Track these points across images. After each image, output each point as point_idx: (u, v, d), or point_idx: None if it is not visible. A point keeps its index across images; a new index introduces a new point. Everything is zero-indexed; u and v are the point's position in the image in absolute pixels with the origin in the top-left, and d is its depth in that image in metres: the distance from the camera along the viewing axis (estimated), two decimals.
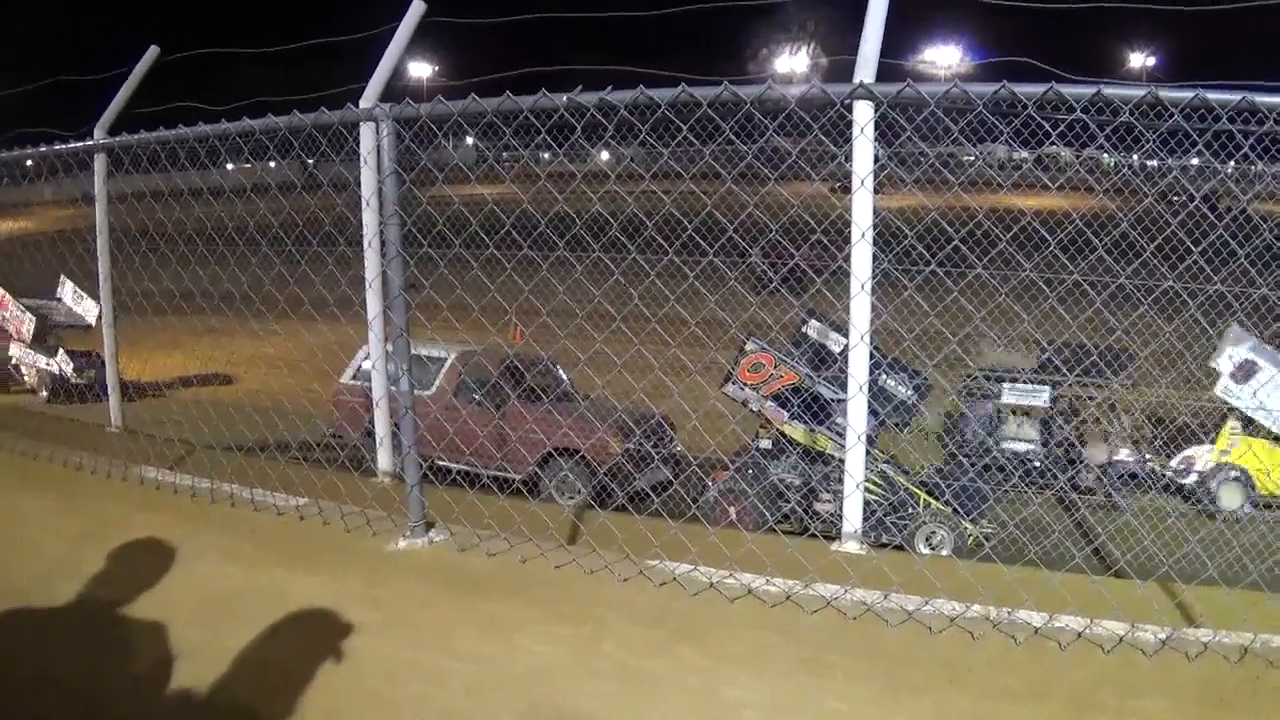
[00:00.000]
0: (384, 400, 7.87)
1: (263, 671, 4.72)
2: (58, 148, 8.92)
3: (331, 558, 5.94)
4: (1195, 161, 18.78)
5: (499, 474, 14.71)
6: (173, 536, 6.17)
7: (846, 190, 6.27)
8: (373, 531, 6.27)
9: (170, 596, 5.45)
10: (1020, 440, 15.30)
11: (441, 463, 15.40)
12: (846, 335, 6.78)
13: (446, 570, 5.73)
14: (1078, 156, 21.93)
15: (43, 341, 19.38)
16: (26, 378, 23.03)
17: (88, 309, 18.85)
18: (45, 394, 21.78)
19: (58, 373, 19.30)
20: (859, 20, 6.69)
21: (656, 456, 14.75)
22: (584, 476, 15.45)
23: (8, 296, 18.79)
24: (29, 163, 9.66)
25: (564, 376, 17.41)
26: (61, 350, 18.95)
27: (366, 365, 12.98)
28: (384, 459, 7.94)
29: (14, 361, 20.92)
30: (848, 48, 6.87)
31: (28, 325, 18.62)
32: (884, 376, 12.60)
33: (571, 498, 15.26)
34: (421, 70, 72.36)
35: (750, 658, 4.65)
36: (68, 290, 19.05)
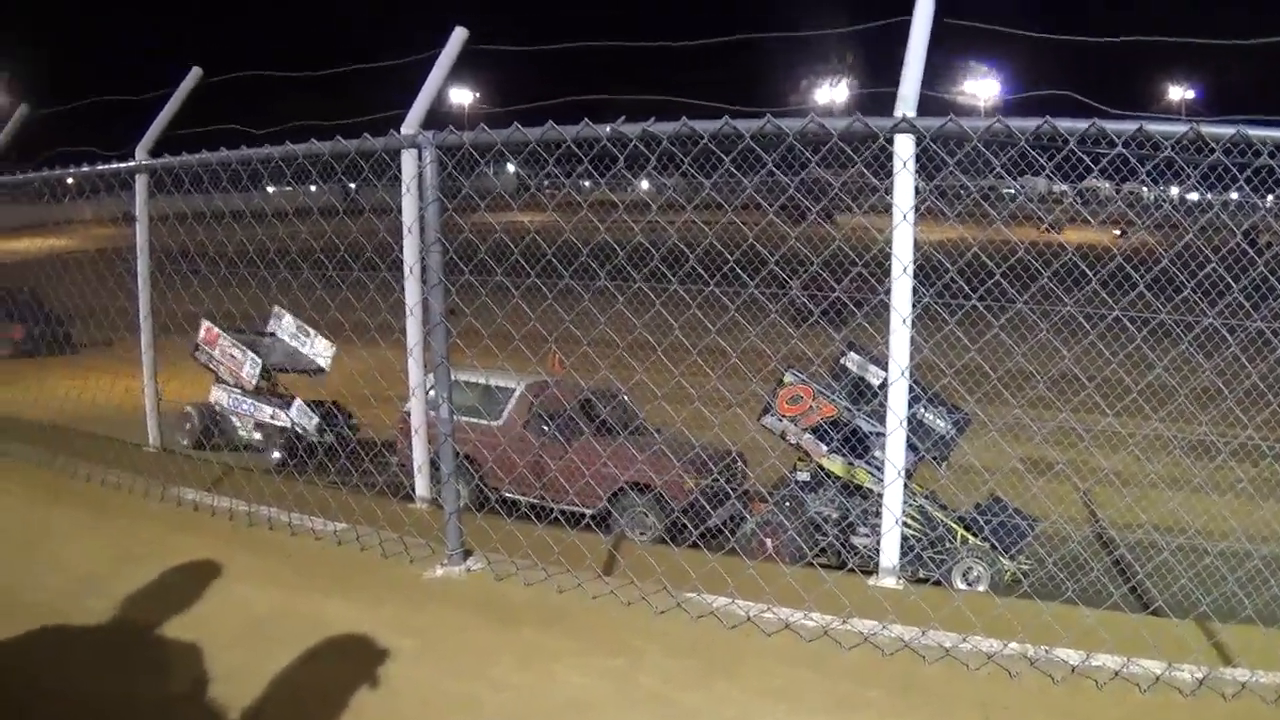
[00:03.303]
0: (423, 427, 7.87)
1: (298, 697, 4.72)
2: (100, 168, 8.94)
3: (368, 583, 5.94)
4: (1235, 196, 18.68)
5: (569, 508, 14.46)
6: (209, 558, 6.19)
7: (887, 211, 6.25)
8: (410, 558, 6.27)
9: (205, 618, 5.46)
10: None
11: (509, 495, 15.32)
12: (886, 369, 6.75)
13: (483, 599, 5.72)
14: (1118, 190, 21.86)
15: (270, 388, 17.91)
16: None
17: (318, 349, 17.72)
18: (276, 455, 17.56)
19: (294, 429, 17.23)
20: (898, 50, 6.69)
21: (731, 494, 14.46)
22: (657, 513, 15.07)
23: (217, 330, 17.56)
24: (70, 181, 9.68)
25: (637, 410, 16.88)
26: (299, 401, 17.48)
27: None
28: (422, 486, 7.94)
29: (217, 410, 18.37)
30: (887, 78, 6.87)
31: (249, 368, 17.06)
32: (924, 411, 12.53)
33: (644, 534, 14.91)
34: (463, 96, 72.57)
35: (786, 692, 4.63)
36: (286, 324, 17.92)
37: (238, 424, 18.21)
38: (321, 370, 17.46)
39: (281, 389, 18.01)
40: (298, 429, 17.00)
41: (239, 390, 17.58)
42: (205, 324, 17.28)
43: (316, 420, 16.78)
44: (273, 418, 17.55)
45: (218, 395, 18.01)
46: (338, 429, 16.41)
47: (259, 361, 16.93)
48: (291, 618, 5.48)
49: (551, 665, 4.91)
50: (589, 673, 4.84)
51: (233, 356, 17.14)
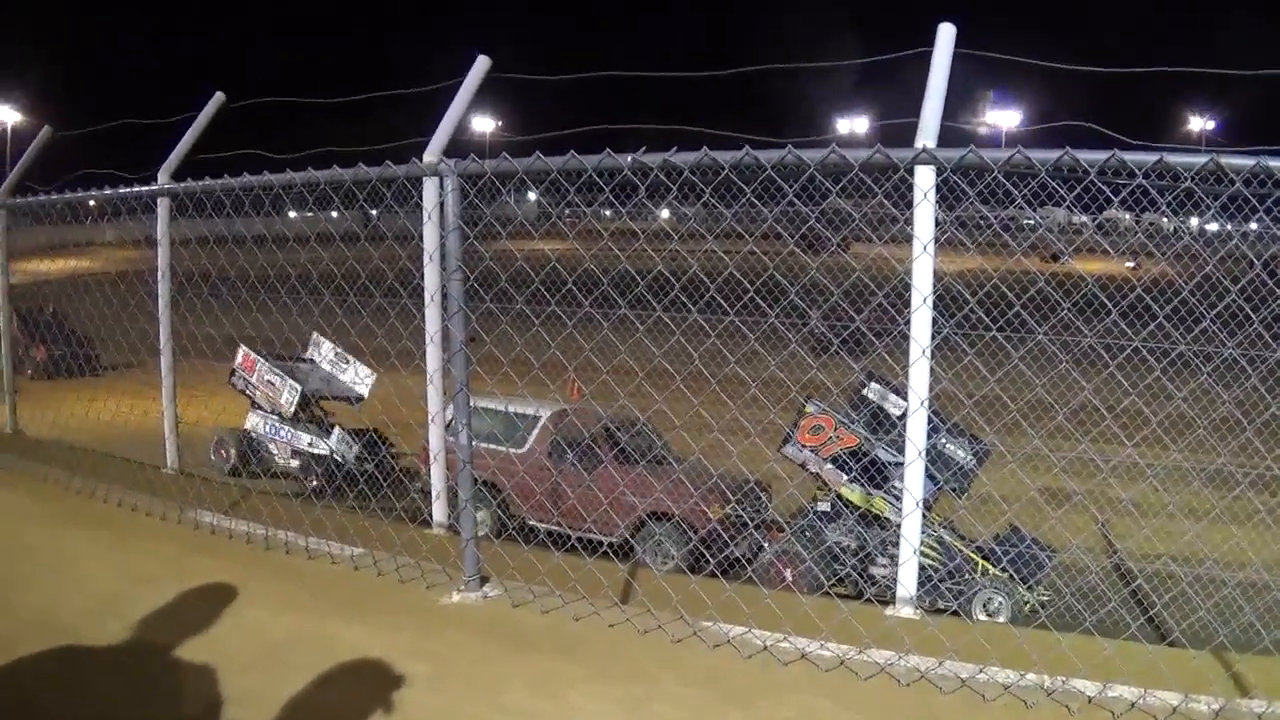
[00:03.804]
0: (441, 454, 7.88)
1: None
2: (123, 190, 8.96)
3: (384, 609, 5.94)
4: (1254, 226, 18.63)
5: (589, 536, 14.24)
6: (226, 581, 6.20)
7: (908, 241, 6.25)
8: (427, 584, 6.27)
9: (220, 641, 5.46)
10: None
11: (531, 522, 15.28)
12: (906, 399, 6.74)
13: (499, 625, 5.72)
14: (1137, 221, 21.82)
15: (306, 415, 17.69)
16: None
17: (357, 376, 17.64)
18: (314, 483, 17.04)
19: (332, 458, 16.98)
20: (919, 79, 6.70)
21: (751, 523, 14.36)
22: (678, 542, 14.96)
23: (255, 356, 17.42)
24: (91, 203, 9.71)
25: (658, 438, 16.67)
26: (339, 429, 17.37)
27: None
28: (440, 512, 7.95)
29: (253, 436, 18.08)
30: (907, 107, 6.88)
31: (288, 395, 16.97)
32: (944, 441, 12.51)
33: (665, 563, 14.78)
34: (485, 125, 72.82)
35: None
36: (325, 350, 17.84)
37: (274, 451, 17.96)
38: (360, 398, 17.41)
39: (322, 416, 17.92)
40: (336, 457, 16.84)
41: (276, 417, 17.52)
42: (242, 349, 17.19)
43: (356, 449, 16.71)
44: (310, 445, 17.39)
45: (254, 421, 17.85)
46: (380, 458, 16.32)
47: (298, 388, 16.82)
48: (307, 642, 5.48)
49: (566, 692, 4.91)
50: (604, 700, 4.84)
51: (270, 383, 17.00)
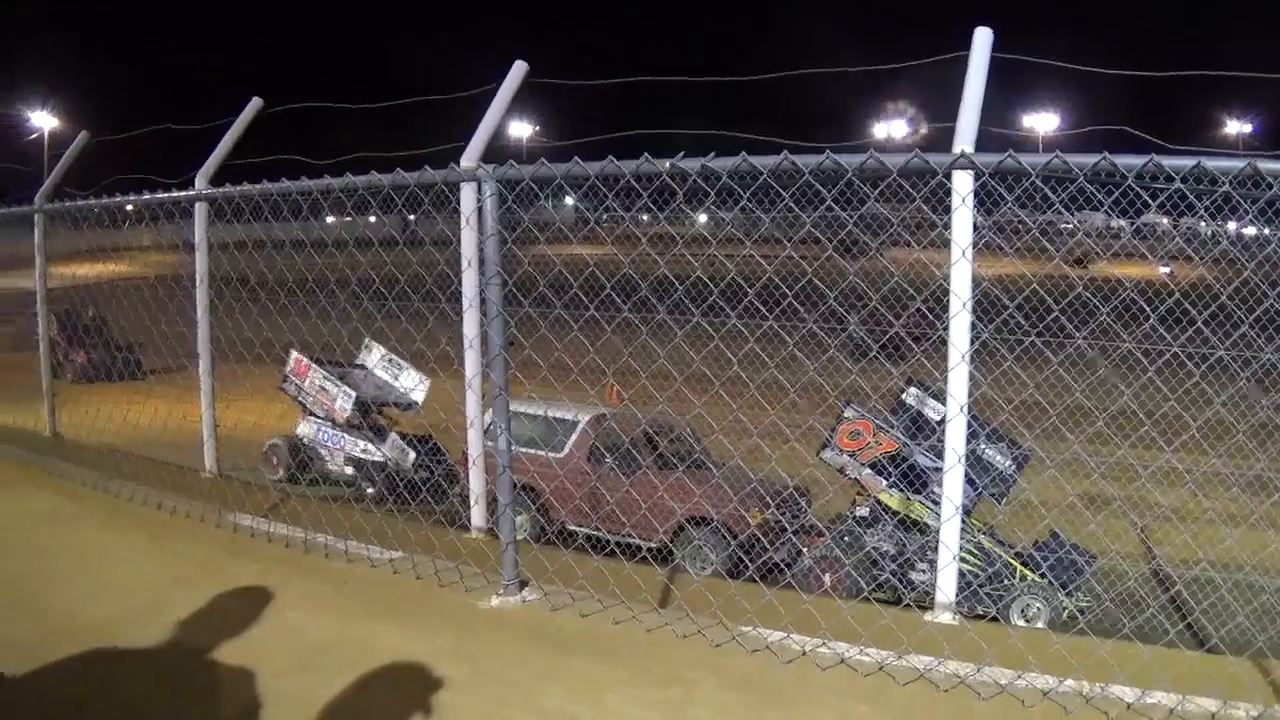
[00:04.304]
0: (480, 458, 7.89)
1: None
2: (160, 195, 8.99)
3: (423, 612, 5.97)
4: None
5: (629, 541, 14.39)
6: (264, 584, 6.26)
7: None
8: (466, 588, 6.29)
9: (258, 644, 5.49)
10: None
11: (570, 526, 15.27)
12: (945, 404, 6.73)
13: (538, 629, 5.73)
14: (1175, 225, 21.69)
15: (363, 423, 17.38)
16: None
17: (410, 383, 17.50)
18: (370, 490, 17.02)
19: (386, 465, 16.76)
20: (955, 83, 6.67)
21: (790, 528, 14.28)
22: (718, 547, 14.83)
23: (307, 361, 17.26)
24: (129, 207, 9.75)
25: (697, 443, 16.26)
26: (394, 435, 17.19)
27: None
28: (478, 516, 7.96)
29: (306, 443, 17.87)
30: (944, 111, 6.86)
31: (341, 401, 16.75)
32: (983, 446, 12.48)
33: (704, 568, 14.64)
34: (521, 129, 72.79)
35: None
36: (376, 356, 17.73)
37: (327, 457, 17.84)
38: (414, 404, 17.28)
39: (383, 423, 17.73)
40: (391, 464, 16.69)
41: (330, 423, 17.48)
42: (294, 355, 17.05)
43: (413, 456, 16.61)
44: (364, 452, 17.26)
45: (305, 428, 17.76)
46: (443, 463, 16.13)
47: (351, 394, 16.70)
48: (344, 644, 5.51)
49: (604, 696, 4.92)
50: (642, 704, 4.84)
51: (324, 389, 16.89)
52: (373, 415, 17.50)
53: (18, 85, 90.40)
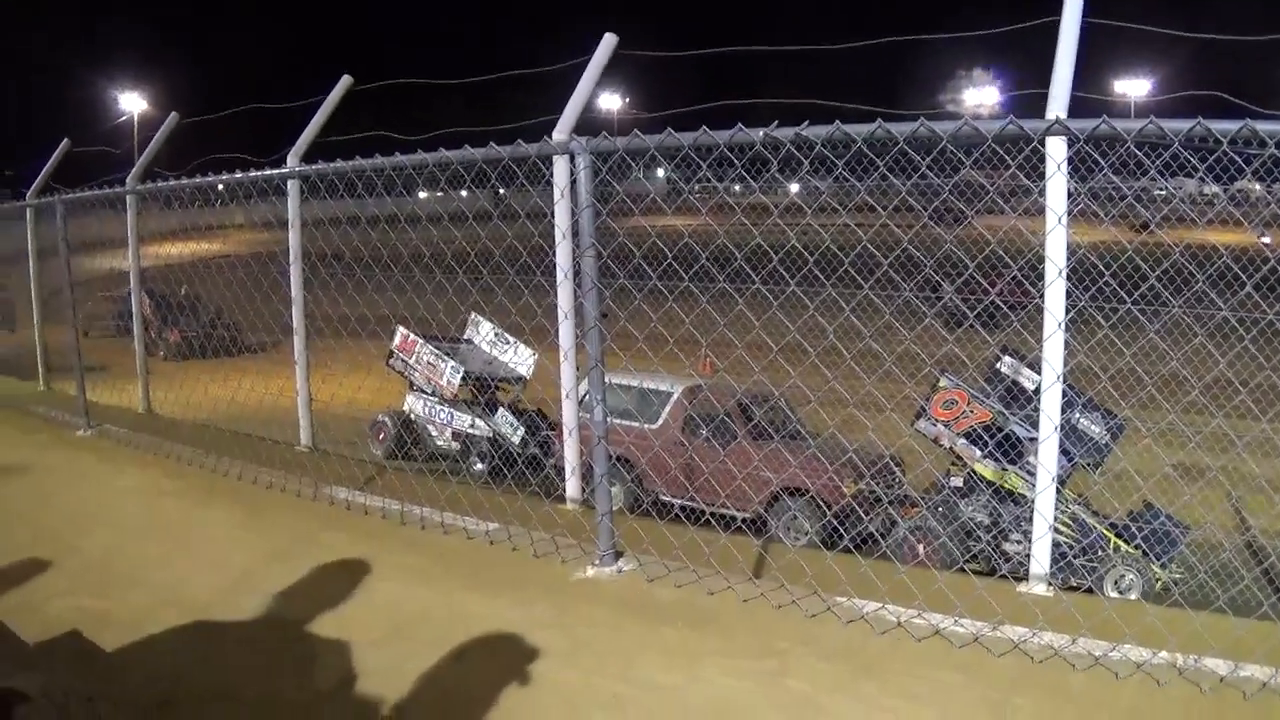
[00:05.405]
0: (575, 430, 7.93)
1: (443, 695, 4.80)
2: (254, 174, 9.07)
3: (519, 583, 6.00)
4: None
5: (723, 512, 14.38)
6: (359, 556, 6.32)
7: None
8: (561, 559, 6.32)
9: (354, 616, 5.57)
10: None
11: (665, 498, 15.33)
12: (1040, 373, 6.68)
13: (633, 599, 5.75)
14: (1269, 192, 21.35)
15: (469, 397, 17.46)
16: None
17: (519, 356, 17.61)
18: (480, 466, 17.24)
19: (494, 439, 16.96)
20: (1044, 47, 6.61)
21: (885, 499, 14.25)
22: (813, 517, 14.94)
23: (415, 337, 17.31)
24: (220, 187, 9.87)
25: (792, 413, 16.49)
26: (503, 410, 17.26)
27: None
28: (574, 488, 8.00)
29: (412, 418, 18.08)
30: (1034, 78, 6.79)
31: (449, 375, 16.93)
32: (1078, 416, 12.39)
33: (799, 539, 14.77)
34: (611, 102, 72.82)
35: (935, 697, 4.61)
36: (484, 330, 17.83)
37: (434, 433, 18.00)
38: (522, 379, 17.34)
39: (496, 398, 17.72)
40: (499, 438, 16.84)
41: (436, 398, 17.57)
42: (401, 330, 17.17)
43: (521, 430, 16.72)
44: (472, 427, 17.38)
45: (412, 403, 17.97)
46: (544, 437, 16.16)
47: (459, 368, 16.86)
48: (440, 616, 5.56)
49: (699, 666, 4.93)
50: (737, 674, 4.85)
51: (431, 364, 16.96)
52: (480, 390, 17.52)
53: (108, 69, 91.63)
